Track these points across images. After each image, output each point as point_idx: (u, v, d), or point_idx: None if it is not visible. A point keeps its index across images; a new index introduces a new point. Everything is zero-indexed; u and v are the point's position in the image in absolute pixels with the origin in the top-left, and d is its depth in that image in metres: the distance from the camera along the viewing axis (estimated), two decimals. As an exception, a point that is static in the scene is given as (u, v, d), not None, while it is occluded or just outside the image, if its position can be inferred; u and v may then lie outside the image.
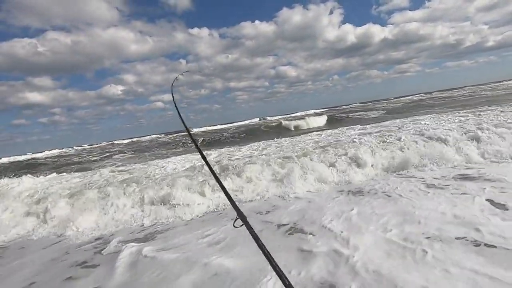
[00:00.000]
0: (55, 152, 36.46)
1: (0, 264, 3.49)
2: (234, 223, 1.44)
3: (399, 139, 6.36)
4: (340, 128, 12.91)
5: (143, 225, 4.25)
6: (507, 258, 2.16)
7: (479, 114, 9.53)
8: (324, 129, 15.62)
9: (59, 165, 17.02)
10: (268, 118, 51.92)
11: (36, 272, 3.11)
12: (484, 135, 5.65)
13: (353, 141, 7.16)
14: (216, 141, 19.38)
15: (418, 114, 15.10)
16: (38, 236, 4.33)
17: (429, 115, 12.27)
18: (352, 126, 13.23)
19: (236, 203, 1.41)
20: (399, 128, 9.31)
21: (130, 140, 39.72)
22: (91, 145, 45.46)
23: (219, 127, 40.04)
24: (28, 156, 32.46)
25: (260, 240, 1.40)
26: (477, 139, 5.58)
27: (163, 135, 44.50)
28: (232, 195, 1.58)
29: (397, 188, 4.19)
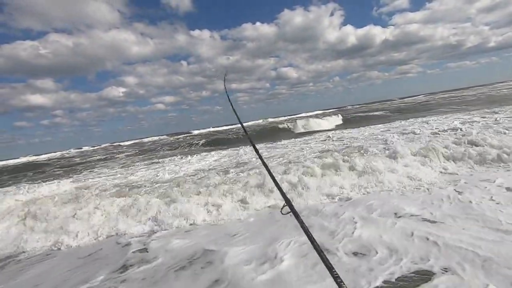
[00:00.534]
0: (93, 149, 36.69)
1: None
2: (281, 210, 1.53)
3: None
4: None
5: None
6: None
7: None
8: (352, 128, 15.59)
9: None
10: (270, 119, 51.92)
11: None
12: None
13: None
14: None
15: (440, 113, 15.10)
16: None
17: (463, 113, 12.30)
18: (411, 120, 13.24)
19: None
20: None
21: (132, 141, 39.95)
22: (93, 146, 45.67)
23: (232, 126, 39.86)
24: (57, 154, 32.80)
25: (306, 226, 1.50)
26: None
27: (165, 136, 44.70)
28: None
29: None
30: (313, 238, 1.39)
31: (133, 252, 3.39)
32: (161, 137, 41.29)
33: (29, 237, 4.26)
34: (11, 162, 32.12)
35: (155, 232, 3.97)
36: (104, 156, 20.64)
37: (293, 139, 13.42)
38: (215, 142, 19.15)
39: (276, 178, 1.67)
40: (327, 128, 20.01)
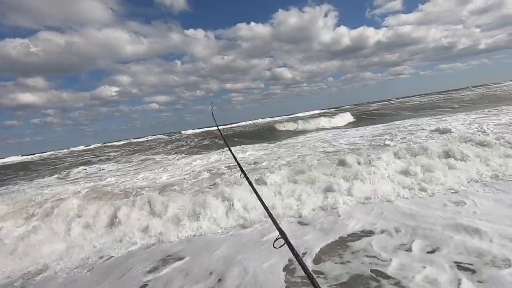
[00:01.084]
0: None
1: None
2: (274, 243, 1.30)
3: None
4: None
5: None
6: None
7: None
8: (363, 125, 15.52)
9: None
10: (268, 118, 51.74)
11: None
12: None
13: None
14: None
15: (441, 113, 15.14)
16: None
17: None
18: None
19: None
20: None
21: (124, 141, 39.39)
22: (88, 145, 44.97)
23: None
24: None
25: (303, 260, 1.33)
26: None
27: (161, 135, 44.09)
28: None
29: None
30: (312, 275, 1.22)
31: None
32: (152, 138, 40.55)
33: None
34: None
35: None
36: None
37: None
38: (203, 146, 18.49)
39: (264, 201, 1.48)
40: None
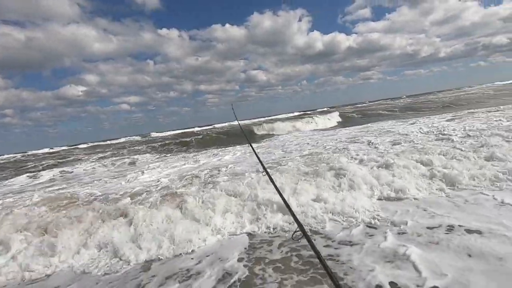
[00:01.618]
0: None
1: None
2: (293, 235, 1.34)
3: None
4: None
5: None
6: None
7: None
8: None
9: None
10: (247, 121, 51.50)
11: None
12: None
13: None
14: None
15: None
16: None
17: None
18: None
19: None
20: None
21: (92, 144, 37.20)
22: (52, 148, 41.72)
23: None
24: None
25: (320, 254, 1.31)
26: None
27: (135, 137, 41.90)
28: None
29: None
30: (330, 270, 1.21)
31: None
32: (125, 139, 38.47)
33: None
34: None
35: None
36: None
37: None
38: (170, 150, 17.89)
39: (285, 198, 1.48)
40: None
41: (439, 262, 2.37)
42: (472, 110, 13.65)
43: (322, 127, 20.71)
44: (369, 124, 14.99)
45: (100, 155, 17.67)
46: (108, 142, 35.89)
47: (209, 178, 6.23)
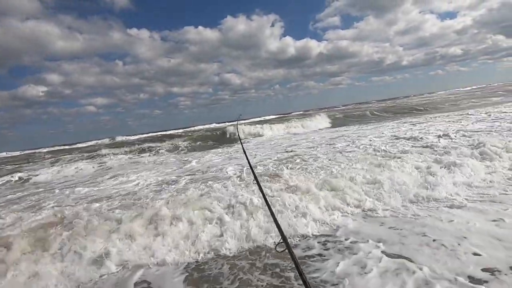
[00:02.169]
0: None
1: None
2: (276, 247, 1.31)
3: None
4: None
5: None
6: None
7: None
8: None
9: None
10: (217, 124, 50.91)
11: None
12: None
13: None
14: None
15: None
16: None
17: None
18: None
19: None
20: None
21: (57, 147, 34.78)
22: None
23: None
24: None
25: (301, 268, 1.30)
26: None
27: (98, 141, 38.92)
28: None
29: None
30: (309, 283, 1.20)
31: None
32: (93, 143, 35.89)
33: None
34: None
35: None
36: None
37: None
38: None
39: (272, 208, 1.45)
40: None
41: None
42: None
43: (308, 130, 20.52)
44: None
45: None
46: (78, 145, 33.59)
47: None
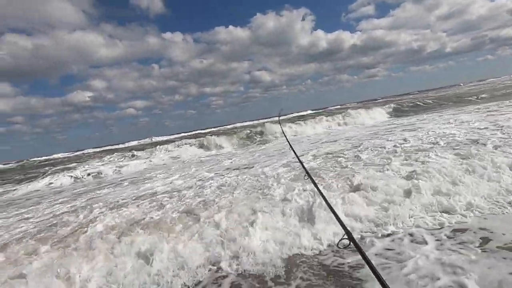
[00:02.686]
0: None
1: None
2: (338, 243, 1.24)
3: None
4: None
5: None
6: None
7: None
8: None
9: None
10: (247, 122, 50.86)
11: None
12: None
13: None
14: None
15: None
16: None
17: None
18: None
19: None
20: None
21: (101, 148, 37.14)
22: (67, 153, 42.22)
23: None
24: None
25: (368, 258, 1.23)
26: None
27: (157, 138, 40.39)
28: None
29: None
30: (381, 275, 1.13)
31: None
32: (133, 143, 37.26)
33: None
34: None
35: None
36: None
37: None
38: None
39: (331, 204, 1.40)
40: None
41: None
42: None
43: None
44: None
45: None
46: (121, 145, 35.63)
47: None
